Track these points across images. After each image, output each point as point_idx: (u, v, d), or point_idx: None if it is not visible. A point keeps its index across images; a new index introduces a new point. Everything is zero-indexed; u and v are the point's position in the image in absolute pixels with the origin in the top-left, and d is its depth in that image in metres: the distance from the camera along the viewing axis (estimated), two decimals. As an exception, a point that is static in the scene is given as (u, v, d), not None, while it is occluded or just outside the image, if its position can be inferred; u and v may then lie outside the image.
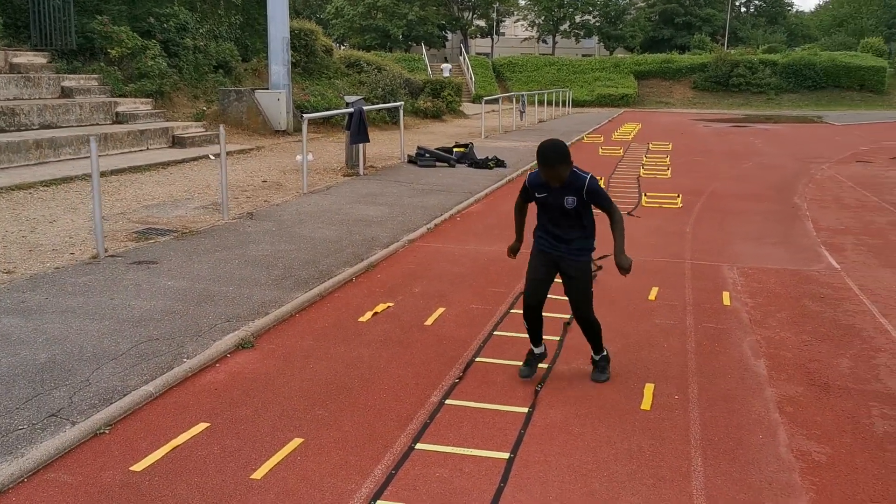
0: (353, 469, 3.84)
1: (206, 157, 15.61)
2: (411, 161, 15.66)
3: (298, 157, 15.74)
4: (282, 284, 6.82)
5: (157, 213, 9.90)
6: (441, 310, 6.44)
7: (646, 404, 4.68)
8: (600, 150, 20.30)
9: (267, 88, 20.85)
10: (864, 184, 14.72)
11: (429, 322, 6.15)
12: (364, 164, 14.10)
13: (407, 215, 10.18)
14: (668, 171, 15.83)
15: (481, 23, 75.04)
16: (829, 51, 53.06)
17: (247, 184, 12.62)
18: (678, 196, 12.42)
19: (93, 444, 4.00)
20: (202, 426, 4.22)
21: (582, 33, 74.70)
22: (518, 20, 79.28)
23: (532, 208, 4.92)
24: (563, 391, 4.87)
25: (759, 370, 5.27)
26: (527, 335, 5.06)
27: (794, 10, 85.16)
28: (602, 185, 4.71)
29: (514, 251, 5.27)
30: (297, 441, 4.09)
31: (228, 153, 16.29)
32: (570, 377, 5.11)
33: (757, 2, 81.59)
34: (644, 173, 15.55)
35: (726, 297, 6.97)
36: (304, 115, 12.30)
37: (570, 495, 3.65)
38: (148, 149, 15.54)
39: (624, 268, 4.72)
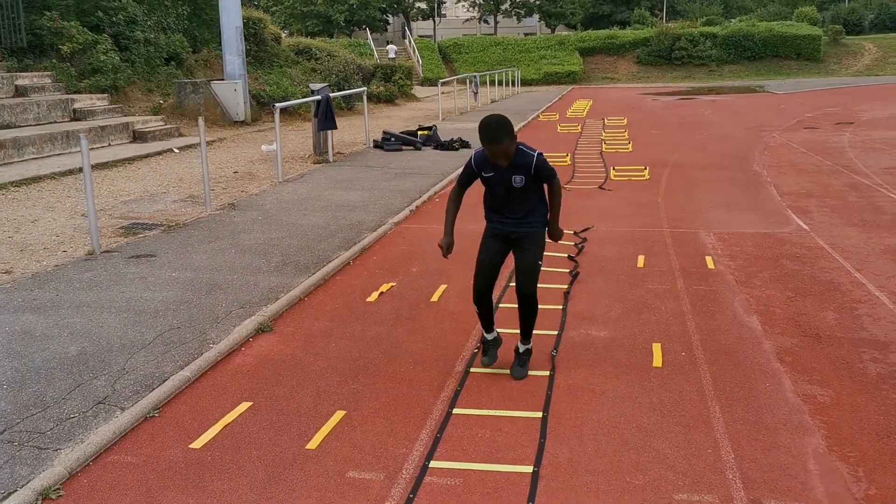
0: (399, 435, 4.07)
1: (171, 150, 15.52)
2: (377, 146, 15.80)
3: (264, 147, 15.70)
4: (283, 270, 6.97)
5: (137, 209, 9.90)
6: (443, 286, 6.68)
7: (657, 362, 4.99)
8: (558, 127, 20.66)
9: (221, 79, 20.71)
10: (816, 149, 15.34)
11: (434, 298, 6.39)
12: (332, 151, 14.19)
13: (387, 199, 10.36)
14: (630, 145, 16.25)
15: (422, 5, 74.90)
16: (766, 21, 54.35)
17: (219, 175, 12.62)
18: (645, 168, 12.82)
19: (146, 427, 4.15)
20: (246, 405, 4.40)
21: (523, 12, 75.11)
22: (459, 1, 79.29)
23: (469, 198, 4.89)
24: (577, 355, 5.16)
25: (754, 326, 5.64)
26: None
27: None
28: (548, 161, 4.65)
29: (447, 248, 4.86)
30: (340, 413, 4.29)
31: (191, 146, 16.26)
32: (581, 342, 5.39)
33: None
34: (606, 148, 15.94)
35: (710, 261, 7.34)
36: (276, 105, 12.33)
37: (606, 446, 3.94)
38: (110, 145, 15.38)
39: (557, 238, 4.89)
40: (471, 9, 78.02)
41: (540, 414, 4.29)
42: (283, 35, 33.79)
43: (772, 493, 3.48)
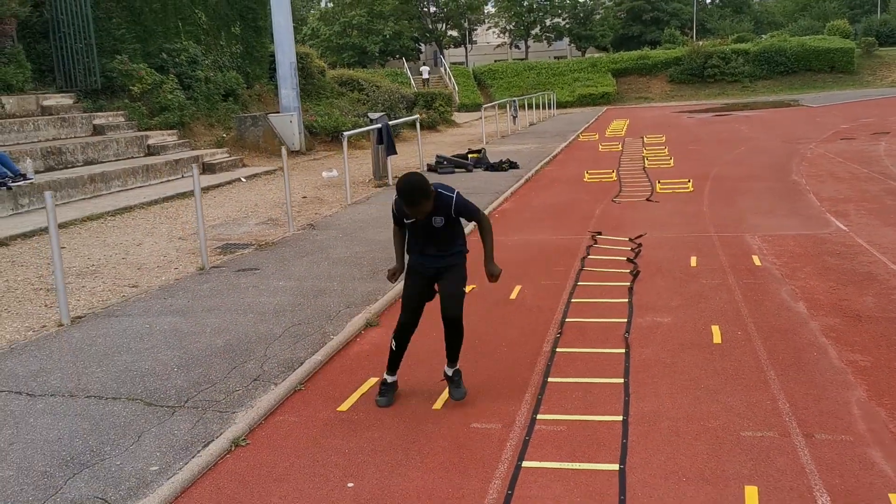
0: (508, 397, 4.92)
1: (239, 179, 16.64)
2: (431, 169, 16.76)
3: (325, 174, 16.83)
4: (376, 277, 7.88)
5: (225, 231, 10.91)
6: (518, 287, 7.53)
7: (717, 339, 5.79)
8: (599, 146, 21.49)
9: (277, 112, 21.92)
10: (853, 158, 15.97)
11: (513, 296, 7.24)
12: (391, 175, 15.17)
13: (451, 215, 11.25)
14: (671, 161, 17.03)
15: (454, 32, 76.52)
16: (798, 36, 54.78)
17: (292, 201, 13.61)
18: (689, 181, 13.60)
19: (297, 398, 5.05)
20: (374, 380, 5.29)
21: (553, 36, 76.32)
22: (490, 27, 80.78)
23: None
24: (646, 336, 5.96)
25: (800, 310, 6.40)
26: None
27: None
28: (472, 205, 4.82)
29: (394, 275, 5.09)
30: (454, 384, 5.15)
31: (256, 175, 17.39)
32: (648, 326, 6.20)
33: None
34: (648, 164, 16.72)
35: (756, 259, 8.10)
36: (344, 133, 13.36)
37: (681, 401, 4.74)
38: (183, 176, 16.52)
39: (494, 275, 4.93)
40: (501, 34, 79.52)
41: (622, 380, 5.11)
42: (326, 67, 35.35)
43: (822, 429, 4.26)
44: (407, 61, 61.67)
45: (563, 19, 75.72)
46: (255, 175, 17.33)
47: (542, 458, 4.12)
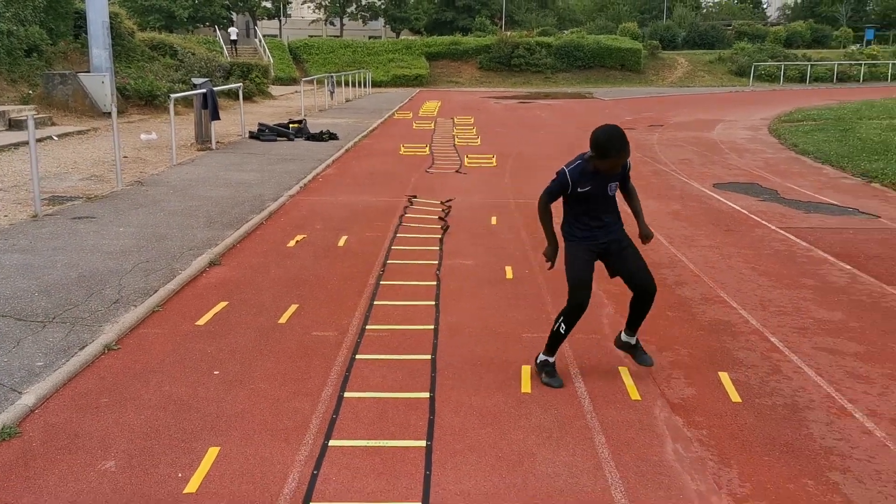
0: (342, 314, 5.96)
1: (50, 138, 16.29)
2: (253, 136, 17.28)
3: (143, 136, 16.87)
4: (212, 227, 8.59)
5: (49, 185, 11.02)
6: (345, 237, 8.55)
7: (509, 275, 7.13)
8: (413, 124, 22.81)
9: (87, 72, 21.32)
10: (632, 145, 18.26)
11: (340, 244, 8.26)
12: (214, 140, 15.58)
13: (277, 178, 12.04)
14: (478, 139, 18.63)
15: (268, 4, 75.31)
16: (594, 34, 59.27)
17: (111, 160, 13.73)
18: (493, 157, 15.17)
19: (157, 316, 5.81)
20: (224, 303, 6.13)
21: (368, 15, 77.22)
22: (305, 2, 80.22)
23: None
24: (453, 273, 7.20)
25: (575, 256, 7.91)
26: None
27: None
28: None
29: (552, 257, 5.02)
30: (294, 305, 6.12)
31: (68, 134, 17.08)
32: (455, 266, 7.44)
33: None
34: (458, 142, 18.23)
35: (544, 219, 9.62)
36: (172, 95, 13.65)
37: (480, 316, 5.99)
38: (-11, 131, 15.95)
39: (649, 237, 5.00)
40: (317, 10, 79.25)
41: (434, 302, 6.31)
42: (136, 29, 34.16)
43: (581, 331, 5.65)
44: (219, 30, 60.17)
45: (379, 0, 76.77)
46: (67, 134, 16.99)
47: (372, 353, 5.22)
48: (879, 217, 9.93)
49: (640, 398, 4.66)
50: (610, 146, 4.39)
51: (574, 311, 4.75)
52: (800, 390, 4.80)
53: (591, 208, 4.67)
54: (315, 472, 3.76)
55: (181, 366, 4.93)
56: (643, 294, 4.78)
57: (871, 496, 3.66)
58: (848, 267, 7.58)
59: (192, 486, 3.59)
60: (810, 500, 3.63)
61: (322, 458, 3.88)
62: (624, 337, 5.02)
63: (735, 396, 4.70)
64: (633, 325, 4.92)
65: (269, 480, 3.67)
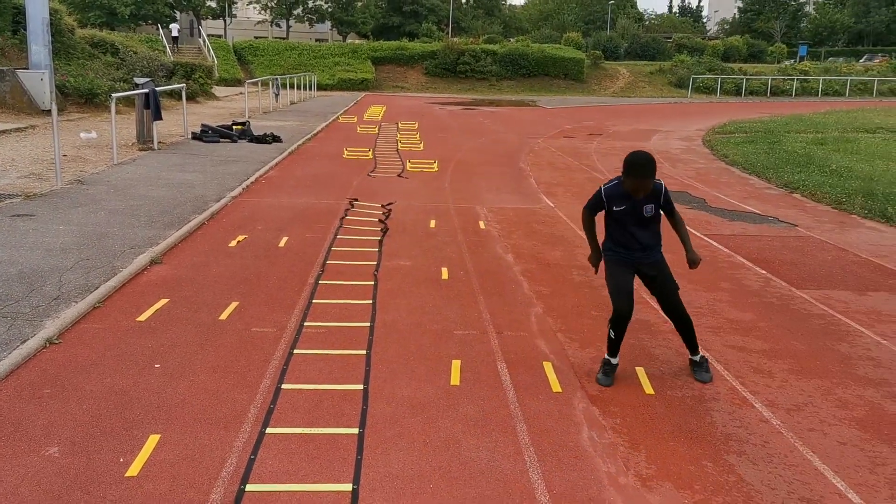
0: (280, 311, 6.16)
1: (-14, 134, 16.02)
2: (196, 137, 17.26)
3: (83, 135, 16.70)
4: (153, 226, 8.68)
5: (-15, 182, 10.95)
6: (286, 238, 8.73)
7: (444, 276, 7.42)
8: (358, 128, 23.00)
9: (25, 68, 20.97)
10: (569, 153, 18.83)
11: (281, 244, 8.44)
12: (156, 140, 15.54)
13: (219, 179, 12.13)
14: (421, 145, 18.93)
15: (213, 3, 74.49)
16: (539, 43, 60.18)
17: (50, 158, 13.63)
18: (435, 162, 15.47)
19: (97, 312, 5.93)
20: (165, 300, 6.28)
21: (315, 18, 76.97)
22: (251, 3, 79.54)
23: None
24: (391, 274, 7.46)
25: (508, 259, 8.24)
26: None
27: (508, 3, 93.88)
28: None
29: (596, 263, 5.29)
30: (235, 303, 6.30)
31: (6, 131, 16.81)
32: (393, 267, 7.70)
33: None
34: (402, 146, 18.49)
35: (482, 224, 9.95)
36: (113, 94, 13.60)
37: (414, 314, 6.27)
38: (-79, 127, 15.63)
39: (696, 262, 5.21)
40: (263, 11, 78.66)
41: (370, 301, 6.55)
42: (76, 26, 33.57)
43: (509, 329, 5.98)
44: (162, 28, 59.32)
45: (326, 2, 76.56)
46: (4, 131, 16.72)
47: (309, 348, 5.44)
48: (797, 226, 10.52)
49: (560, 390, 4.98)
50: (631, 166, 4.71)
51: (618, 317, 5.02)
52: (707, 384, 5.18)
53: (628, 229, 4.95)
54: (252, 457, 3.98)
55: (122, 359, 5.09)
56: (676, 320, 5.17)
57: (762, 476, 4.04)
58: (763, 272, 8.07)
59: (133, 470, 3.78)
60: (707, 479, 3.99)
61: (259, 445, 4.10)
62: (690, 357, 5.35)
63: (649, 389, 5.06)
64: (687, 345, 5.29)
65: (208, 464, 3.88)
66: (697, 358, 5.29)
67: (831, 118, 29.41)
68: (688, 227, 5.49)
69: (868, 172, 14.76)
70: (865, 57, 71.13)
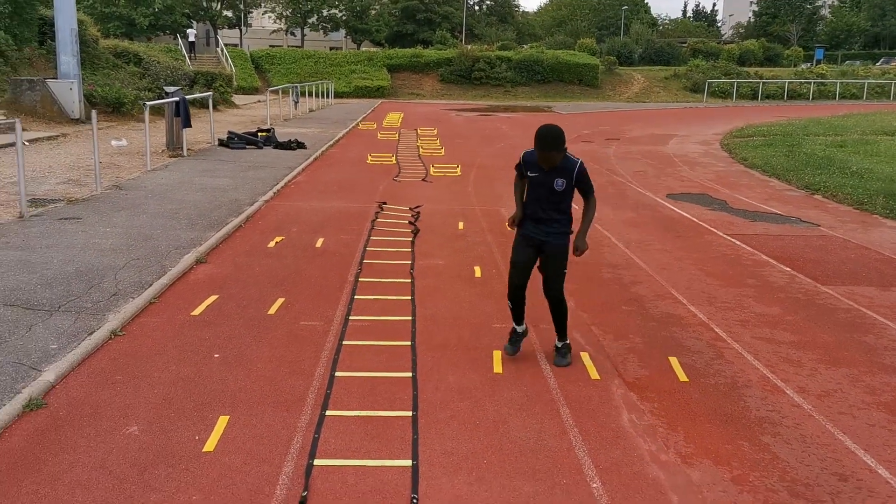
0: (326, 307, 6.45)
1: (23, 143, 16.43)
2: (222, 144, 17.63)
3: (114, 142, 17.11)
4: (194, 228, 9.01)
5: (27, 189, 11.29)
6: (321, 239, 9.03)
7: (478, 274, 7.69)
8: (378, 134, 23.34)
9: (55, 78, 21.45)
10: (588, 157, 19.04)
11: (318, 245, 8.74)
12: (185, 147, 15.92)
13: (250, 184, 12.47)
14: (442, 150, 19.23)
15: (229, 13, 75.29)
16: (553, 49, 60.46)
17: (85, 164, 14.02)
18: (458, 166, 15.76)
19: (154, 307, 6.24)
20: (214, 296, 6.58)
21: (330, 26, 77.61)
22: (266, 12, 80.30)
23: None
24: (426, 273, 7.73)
25: (538, 257, 8.50)
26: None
27: (521, 10, 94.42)
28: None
29: (514, 222, 5.38)
30: (281, 299, 6.60)
31: (38, 139, 17.25)
32: (427, 266, 7.98)
33: (489, 1, 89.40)
34: (423, 152, 18.80)
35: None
36: (146, 103, 13.98)
37: (453, 309, 6.54)
38: (-42, 136, 16.07)
39: (581, 249, 5.29)
40: (278, 20, 79.41)
41: (410, 297, 6.83)
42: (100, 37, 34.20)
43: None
44: (180, 38, 60.06)
45: (340, 11, 77.17)
46: (37, 139, 17.16)
47: (357, 339, 5.73)
48: (819, 225, 10.72)
49: (599, 378, 5.23)
50: (537, 138, 4.95)
51: (510, 289, 5.36)
52: (739, 372, 5.42)
53: (539, 200, 5.13)
54: (316, 435, 4.25)
55: (184, 349, 5.39)
56: (551, 304, 5.38)
57: (797, 454, 4.28)
58: (787, 269, 8.29)
59: (209, 446, 4.07)
60: (744, 457, 4.23)
61: (321, 425, 4.38)
62: (555, 342, 5.53)
63: (683, 377, 5.30)
64: (556, 330, 5.48)
65: (276, 442, 4.16)
66: (559, 344, 5.46)
67: (850, 121, 29.51)
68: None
69: (889, 174, 14.94)
70: (882, 60, 71.00)
